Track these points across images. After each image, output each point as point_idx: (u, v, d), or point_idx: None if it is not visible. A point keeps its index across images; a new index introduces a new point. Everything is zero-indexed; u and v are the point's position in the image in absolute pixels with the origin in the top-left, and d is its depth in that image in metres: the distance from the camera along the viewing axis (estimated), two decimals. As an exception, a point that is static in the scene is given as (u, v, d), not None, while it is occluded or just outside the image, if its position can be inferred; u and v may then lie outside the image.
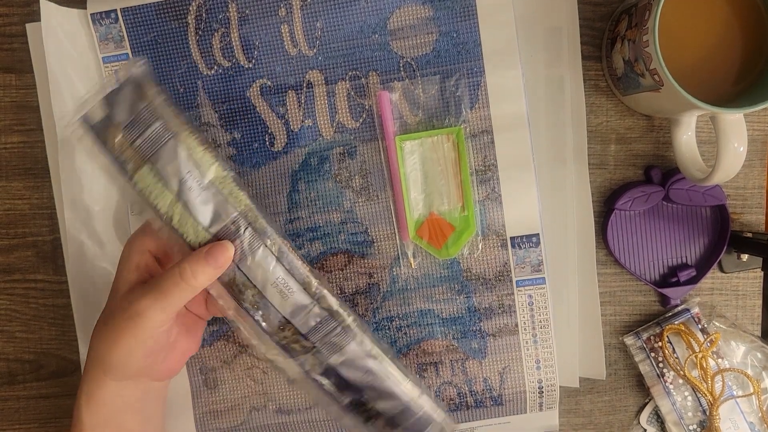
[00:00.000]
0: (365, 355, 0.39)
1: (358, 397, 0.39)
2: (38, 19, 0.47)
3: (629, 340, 0.50)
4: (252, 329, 0.38)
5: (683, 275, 0.49)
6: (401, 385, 0.39)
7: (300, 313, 0.38)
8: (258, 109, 0.48)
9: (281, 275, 0.37)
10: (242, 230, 0.37)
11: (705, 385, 0.48)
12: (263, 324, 0.38)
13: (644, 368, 0.50)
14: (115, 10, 0.47)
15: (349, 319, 0.39)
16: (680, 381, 0.49)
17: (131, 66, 0.36)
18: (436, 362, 0.49)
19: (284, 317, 0.38)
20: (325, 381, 0.39)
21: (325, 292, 0.38)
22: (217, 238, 0.37)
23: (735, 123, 0.40)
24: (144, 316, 0.37)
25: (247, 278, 0.37)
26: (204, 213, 0.36)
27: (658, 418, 0.51)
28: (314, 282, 0.38)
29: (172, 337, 0.41)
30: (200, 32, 0.47)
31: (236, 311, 0.38)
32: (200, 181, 0.36)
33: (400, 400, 0.39)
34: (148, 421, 0.43)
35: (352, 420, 0.40)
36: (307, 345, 0.38)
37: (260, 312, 0.38)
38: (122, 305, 0.38)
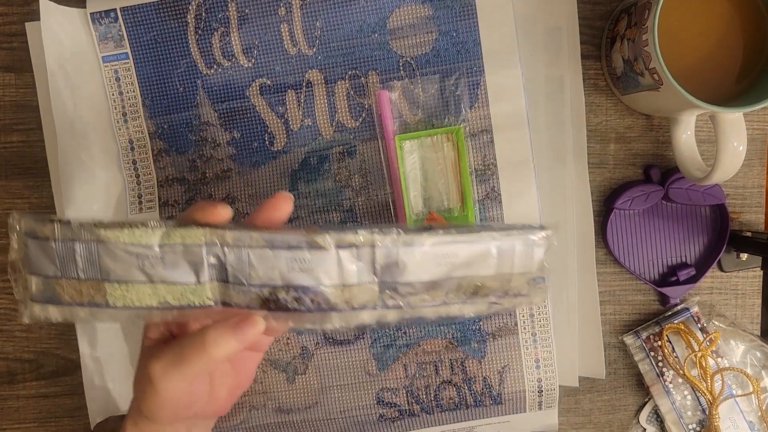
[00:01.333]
0: (418, 245, 0.35)
1: (452, 284, 0.36)
2: (38, 18, 0.47)
3: (629, 340, 0.50)
4: (319, 319, 0.36)
5: (683, 274, 0.49)
6: (474, 241, 0.35)
7: (334, 270, 0.34)
8: (257, 108, 0.48)
9: (287, 256, 0.34)
10: (222, 256, 0.34)
11: (704, 384, 0.48)
12: (322, 305, 0.35)
13: (644, 367, 0.50)
14: (115, 10, 0.47)
15: (379, 236, 0.35)
16: (680, 380, 0.49)
17: (14, 225, 0.34)
18: (435, 361, 0.49)
19: (325, 286, 0.35)
20: (423, 297, 0.35)
21: (332, 233, 0.35)
22: (215, 281, 0.35)
23: (734, 122, 0.40)
24: (155, 384, 0.35)
25: (268, 286, 0.35)
26: (184, 273, 0.34)
27: (658, 418, 0.51)
28: (317, 237, 0.34)
29: (215, 383, 0.40)
30: (200, 31, 0.47)
31: (290, 317, 0.36)
32: (154, 254, 0.34)
33: (488, 248, 0.35)
34: None
35: (468, 308, 0.36)
36: (371, 286, 0.35)
37: (307, 299, 0.35)
38: (142, 361, 0.37)
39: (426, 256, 0.35)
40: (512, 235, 0.36)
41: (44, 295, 0.34)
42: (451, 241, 0.35)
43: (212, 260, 0.34)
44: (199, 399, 0.39)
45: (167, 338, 0.39)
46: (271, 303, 0.35)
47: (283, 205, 0.36)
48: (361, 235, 0.35)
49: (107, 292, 0.34)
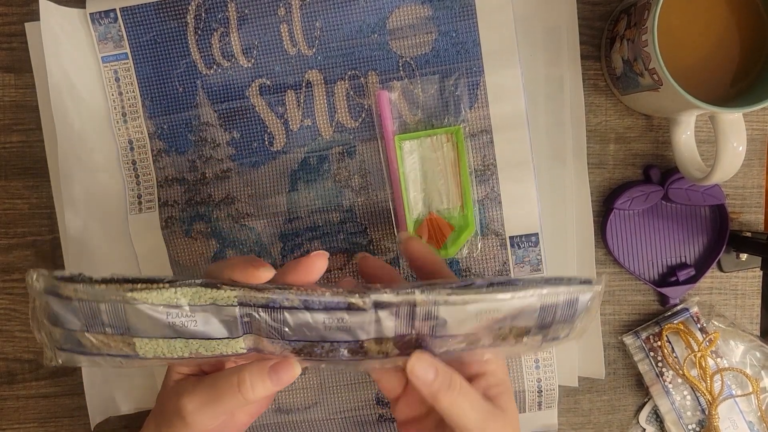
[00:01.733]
0: (460, 303, 0.34)
1: (490, 334, 0.35)
2: (37, 19, 0.47)
3: (628, 340, 0.50)
4: (353, 364, 0.36)
5: (682, 274, 0.49)
6: (518, 298, 0.35)
7: (372, 327, 0.34)
8: (257, 108, 0.48)
9: (324, 317, 0.34)
10: (255, 314, 0.33)
11: (704, 385, 0.48)
12: (357, 355, 0.35)
13: (643, 367, 0.50)
14: (115, 10, 0.47)
15: (419, 295, 0.34)
16: (679, 380, 0.49)
17: (33, 284, 0.33)
18: (435, 361, 0.49)
19: (362, 340, 0.34)
20: (460, 345, 0.35)
21: (373, 294, 0.34)
22: (249, 334, 0.34)
23: (734, 122, 0.40)
24: (186, 419, 0.35)
25: (304, 341, 0.34)
26: (216, 329, 0.34)
27: (657, 418, 0.51)
28: (355, 298, 0.34)
29: (238, 411, 0.39)
30: (199, 32, 0.47)
31: (324, 362, 0.36)
32: (184, 313, 0.33)
33: (532, 303, 0.35)
34: None
35: (503, 350, 0.36)
36: (409, 338, 0.35)
37: (342, 350, 0.35)
38: (171, 394, 0.36)
39: (468, 314, 0.34)
40: (558, 290, 0.36)
41: (70, 345, 0.34)
42: (494, 300, 0.35)
43: (246, 319, 0.34)
44: (223, 427, 0.38)
45: (197, 371, 0.39)
46: (305, 354, 0.35)
47: (318, 265, 0.35)
48: (402, 296, 0.34)
49: (136, 345, 0.33)
